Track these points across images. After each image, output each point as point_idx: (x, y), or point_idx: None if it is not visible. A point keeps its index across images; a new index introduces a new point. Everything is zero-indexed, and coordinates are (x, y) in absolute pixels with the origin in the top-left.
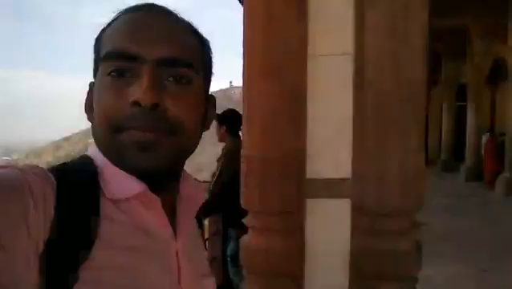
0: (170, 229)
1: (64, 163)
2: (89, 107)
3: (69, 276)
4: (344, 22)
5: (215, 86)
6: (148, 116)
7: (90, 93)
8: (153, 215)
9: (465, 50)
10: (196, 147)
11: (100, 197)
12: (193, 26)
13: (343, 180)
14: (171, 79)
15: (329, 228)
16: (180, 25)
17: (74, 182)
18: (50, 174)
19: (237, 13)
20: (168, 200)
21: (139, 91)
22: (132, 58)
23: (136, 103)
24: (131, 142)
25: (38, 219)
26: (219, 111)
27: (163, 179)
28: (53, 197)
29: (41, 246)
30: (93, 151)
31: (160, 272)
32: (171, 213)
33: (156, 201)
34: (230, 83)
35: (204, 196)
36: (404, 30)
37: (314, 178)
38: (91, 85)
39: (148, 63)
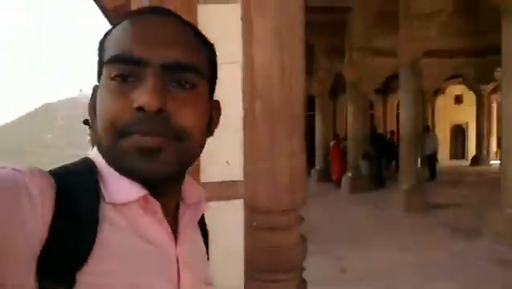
0: (171, 236)
1: (65, 166)
2: (93, 111)
3: (66, 280)
4: (232, 31)
5: (62, 94)
6: (152, 122)
7: (94, 97)
8: (154, 221)
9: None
10: (201, 152)
11: (100, 202)
12: (197, 30)
13: (236, 182)
14: (175, 84)
15: (224, 229)
16: (185, 28)
17: (74, 185)
18: (49, 176)
19: (95, 22)
20: (170, 205)
21: (143, 95)
22: (136, 62)
23: (141, 109)
24: (134, 147)
25: (36, 222)
26: (64, 121)
27: (166, 184)
28: (52, 199)
29: (37, 250)
30: (95, 154)
31: (159, 279)
32: (173, 218)
33: (156, 206)
34: (80, 90)
35: (206, 199)
36: (288, 41)
37: (208, 182)
38: (95, 88)
39: (152, 67)
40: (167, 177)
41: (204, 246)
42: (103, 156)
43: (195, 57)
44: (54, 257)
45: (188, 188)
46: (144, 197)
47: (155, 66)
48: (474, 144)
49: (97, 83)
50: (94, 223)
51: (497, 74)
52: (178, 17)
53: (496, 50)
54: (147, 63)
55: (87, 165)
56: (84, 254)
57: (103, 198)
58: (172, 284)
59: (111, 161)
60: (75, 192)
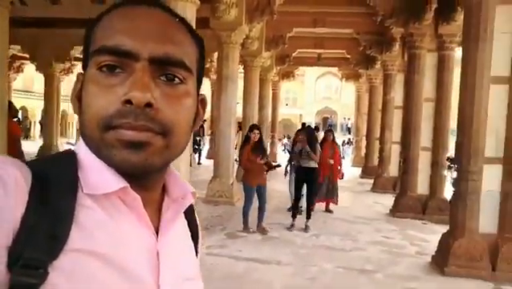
0: (152, 229)
1: (44, 157)
2: (76, 99)
3: (37, 273)
4: None
5: None
6: (139, 115)
7: (78, 84)
8: (133, 214)
9: None
10: (185, 147)
11: (78, 193)
12: (188, 23)
13: None
14: (163, 78)
15: None
16: (176, 22)
17: (51, 176)
18: (26, 168)
19: None
20: (153, 198)
21: (132, 89)
22: (126, 54)
23: (128, 102)
24: (120, 141)
25: (9, 212)
26: None
27: (148, 177)
28: (26, 191)
29: (9, 240)
30: (79, 145)
31: (136, 275)
32: (156, 211)
33: (136, 199)
34: None
35: (193, 195)
36: None
37: None
38: (79, 76)
39: (141, 60)
40: (149, 171)
41: (191, 242)
42: (88, 145)
43: (185, 51)
44: (26, 249)
45: (174, 183)
46: (124, 189)
47: (144, 59)
48: None
49: (81, 71)
50: (68, 216)
51: None
52: (169, 9)
53: None
54: (136, 55)
55: (68, 156)
56: (56, 247)
57: (82, 189)
58: (151, 278)
59: (95, 151)
60: (52, 183)
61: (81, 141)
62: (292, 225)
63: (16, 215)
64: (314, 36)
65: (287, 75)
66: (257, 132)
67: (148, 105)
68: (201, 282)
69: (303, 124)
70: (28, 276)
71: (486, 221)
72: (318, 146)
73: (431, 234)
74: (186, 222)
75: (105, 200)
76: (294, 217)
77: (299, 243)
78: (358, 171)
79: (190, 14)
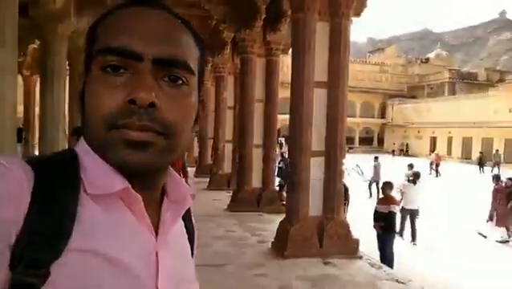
0: (151, 229)
1: (45, 156)
2: (79, 98)
3: (39, 272)
4: None
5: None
6: (142, 115)
7: (80, 83)
8: (134, 213)
9: None
10: (186, 147)
11: (80, 192)
12: (190, 25)
13: None
14: (166, 78)
15: None
16: (180, 23)
17: (53, 176)
18: (29, 168)
19: None
20: (153, 198)
21: (137, 89)
22: (131, 55)
23: (132, 102)
24: (122, 140)
25: (13, 213)
26: None
27: (150, 177)
28: (29, 191)
29: (12, 240)
30: (81, 144)
31: (135, 275)
32: (155, 212)
33: (137, 199)
34: None
35: (192, 198)
36: None
37: None
38: (82, 76)
39: (146, 61)
40: (150, 171)
41: (187, 243)
42: (90, 145)
43: (187, 53)
44: (28, 249)
45: (174, 184)
46: (126, 189)
47: (148, 60)
48: None
49: (83, 71)
50: (70, 216)
51: None
52: (172, 11)
53: None
54: (141, 56)
55: (70, 156)
56: (58, 247)
57: (84, 189)
58: (149, 278)
59: (98, 151)
60: (54, 183)
61: (82, 140)
62: None
63: (19, 216)
64: None
65: None
66: None
67: (152, 105)
68: (197, 283)
69: None
70: (30, 276)
71: (314, 205)
72: None
73: (267, 224)
74: (183, 224)
75: (107, 200)
76: None
77: None
78: (191, 171)
79: None
